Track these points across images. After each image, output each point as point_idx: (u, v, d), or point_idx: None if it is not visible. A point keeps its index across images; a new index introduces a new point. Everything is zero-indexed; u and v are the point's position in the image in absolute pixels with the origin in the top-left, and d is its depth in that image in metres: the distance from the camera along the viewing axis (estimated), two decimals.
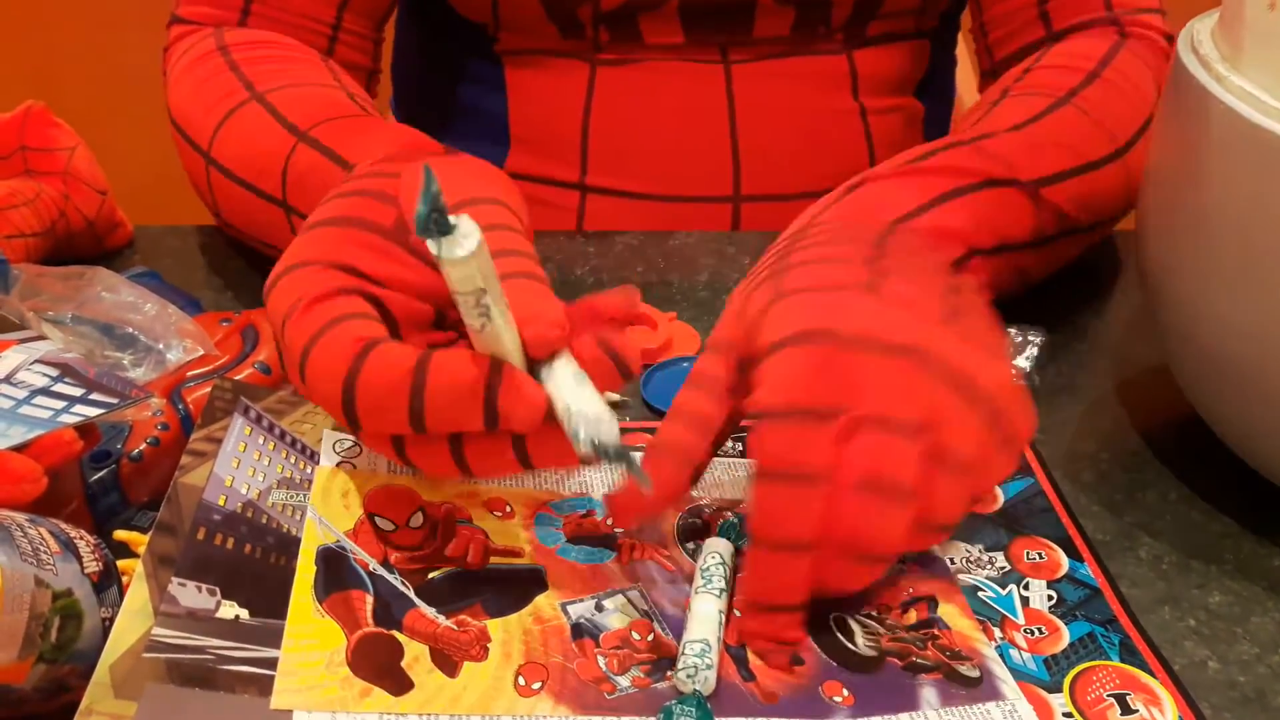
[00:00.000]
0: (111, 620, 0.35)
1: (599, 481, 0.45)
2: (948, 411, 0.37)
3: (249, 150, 0.54)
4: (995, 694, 0.37)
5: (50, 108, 0.61)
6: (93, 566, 0.35)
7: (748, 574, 0.38)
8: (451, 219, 0.30)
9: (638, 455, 0.37)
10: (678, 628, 0.38)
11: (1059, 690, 0.38)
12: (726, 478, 0.46)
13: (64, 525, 0.36)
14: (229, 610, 0.35)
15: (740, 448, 0.48)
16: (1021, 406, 0.39)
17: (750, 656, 0.38)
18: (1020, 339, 0.51)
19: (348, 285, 0.37)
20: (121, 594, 0.36)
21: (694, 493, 0.44)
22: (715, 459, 0.47)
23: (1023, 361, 0.51)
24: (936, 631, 0.39)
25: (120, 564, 0.37)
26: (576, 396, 0.34)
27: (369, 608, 0.36)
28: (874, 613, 0.40)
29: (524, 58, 0.69)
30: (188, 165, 0.60)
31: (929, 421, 0.37)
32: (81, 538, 0.36)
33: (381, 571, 0.38)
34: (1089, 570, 0.43)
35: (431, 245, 0.31)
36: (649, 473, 0.37)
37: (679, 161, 0.69)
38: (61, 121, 0.61)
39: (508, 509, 0.42)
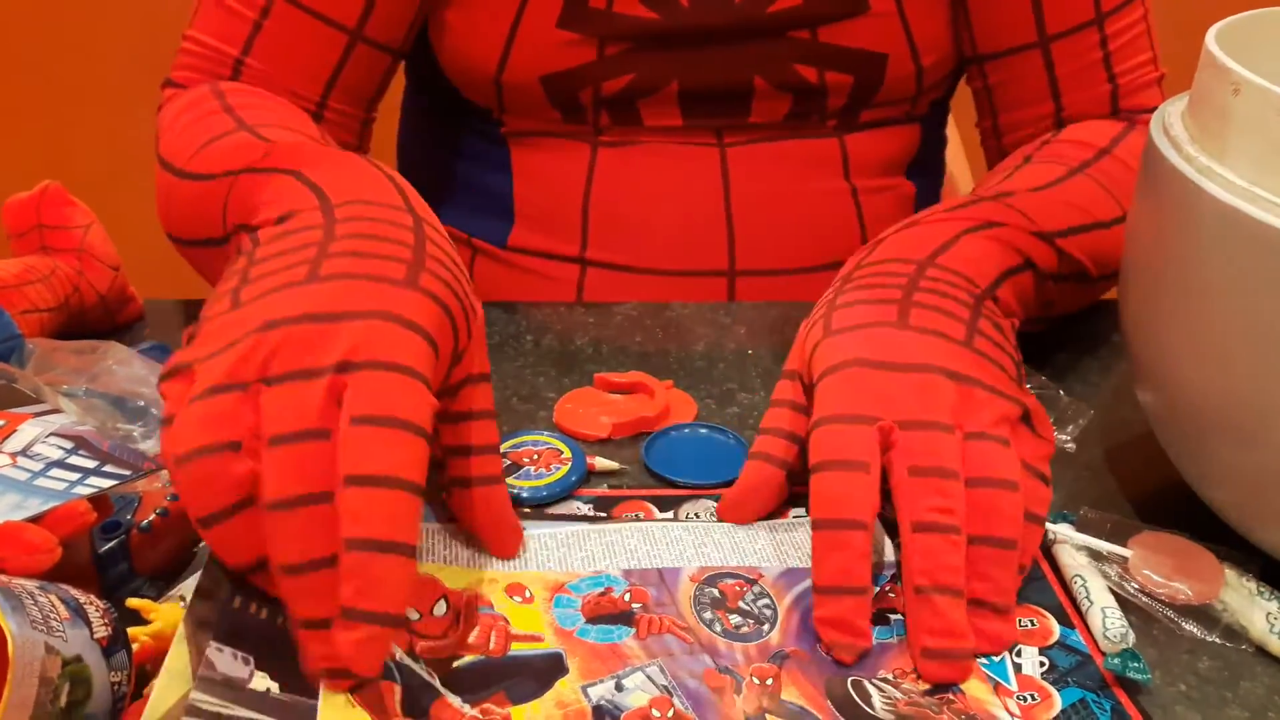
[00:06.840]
0: (121, 684, 0.35)
1: (619, 554, 0.45)
2: (964, 405, 0.44)
3: (219, 158, 0.54)
4: None
5: (63, 183, 0.62)
6: (102, 631, 0.36)
7: (814, 559, 0.43)
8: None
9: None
10: (697, 701, 0.38)
11: None
12: (750, 544, 0.47)
13: (73, 591, 0.37)
14: (261, 682, 0.35)
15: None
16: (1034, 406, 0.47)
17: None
18: (1071, 410, 0.53)
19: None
20: (130, 658, 0.36)
21: (713, 560, 0.45)
22: (736, 528, 0.48)
23: (1066, 434, 0.54)
24: (952, 696, 0.40)
25: (131, 631, 0.38)
26: None
27: (397, 698, 0.37)
28: (890, 676, 0.41)
29: (528, 139, 0.72)
30: (161, 197, 0.59)
31: (952, 416, 0.44)
32: (91, 603, 0.37)
33: (408, 661, 0.38)
34: (1080, 637, 0.44)
35: None
36: (746, 479, 0.48)
37: (676, 237, 0.71)
38: (77, 200, 0.63)
39: (527, 594, 0.43)
